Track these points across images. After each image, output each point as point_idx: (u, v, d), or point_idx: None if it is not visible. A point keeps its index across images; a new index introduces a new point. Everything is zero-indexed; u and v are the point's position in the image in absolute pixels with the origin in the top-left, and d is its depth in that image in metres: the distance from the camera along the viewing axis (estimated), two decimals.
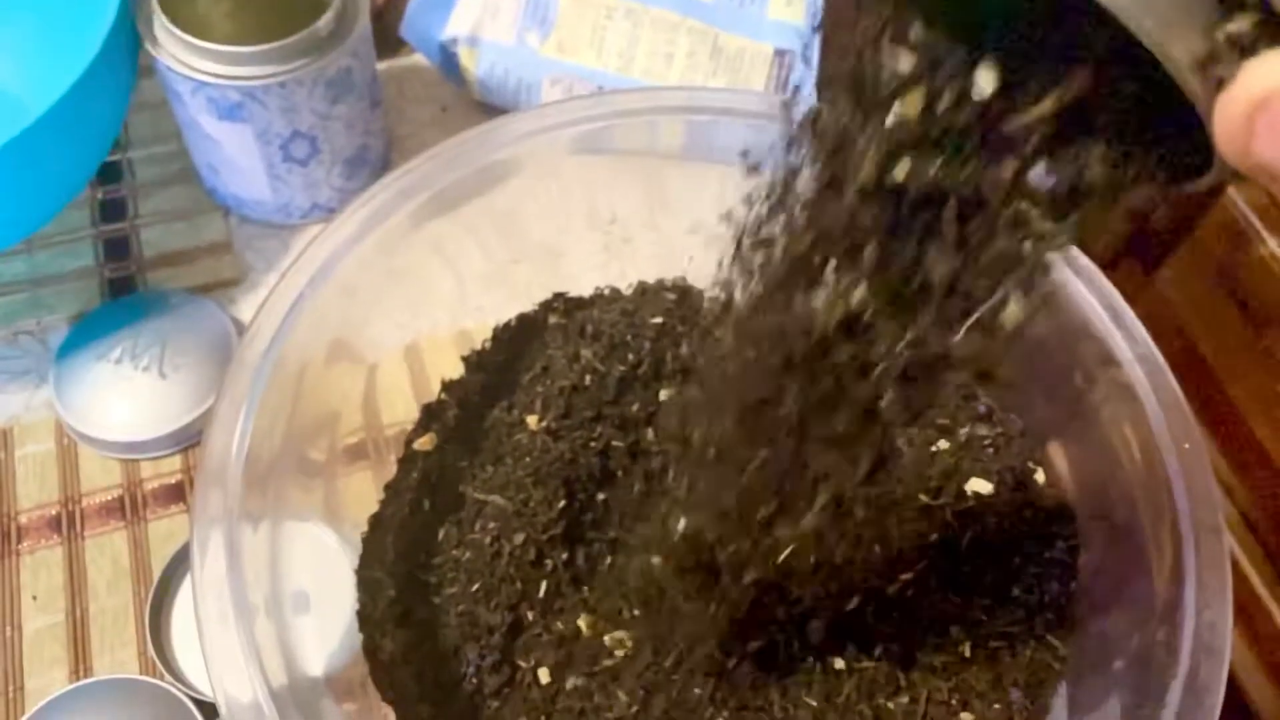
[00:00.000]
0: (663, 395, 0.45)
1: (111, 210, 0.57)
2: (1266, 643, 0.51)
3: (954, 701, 0.37)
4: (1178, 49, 0.16)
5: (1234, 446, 0.55)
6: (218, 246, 0.55)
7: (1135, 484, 0.36)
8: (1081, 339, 0.38)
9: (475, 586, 0.40)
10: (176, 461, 0.49)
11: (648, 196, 0.51)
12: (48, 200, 0.48)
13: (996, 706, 0.37)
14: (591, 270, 0.51)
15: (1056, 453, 0.42)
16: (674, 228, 0.50)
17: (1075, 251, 0.38)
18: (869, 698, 0.38)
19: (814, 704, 0.38)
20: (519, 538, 0.41)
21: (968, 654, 0.38)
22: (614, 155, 0.48)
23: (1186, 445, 0.35)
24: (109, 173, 0.57)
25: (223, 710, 0.32)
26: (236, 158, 0.52)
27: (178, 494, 0.48)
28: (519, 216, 0.47)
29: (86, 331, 0.50)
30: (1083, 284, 0.38)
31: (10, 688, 0.43)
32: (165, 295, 0.52)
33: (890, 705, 0.37)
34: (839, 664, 0.39)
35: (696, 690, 0.38)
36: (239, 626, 0.32)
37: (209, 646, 0.32)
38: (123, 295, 0.53)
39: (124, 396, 0.48)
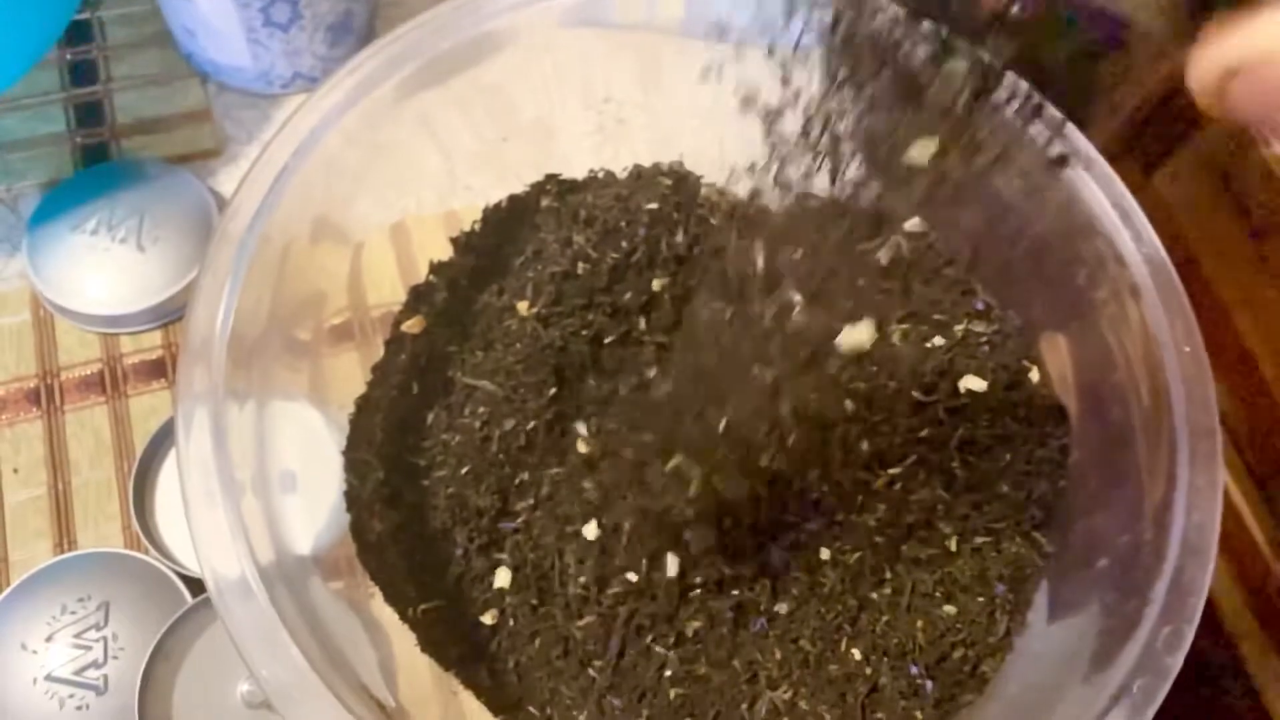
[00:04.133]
0: (655, 285, 0.44)
1: (82, 73, 0.54)
2: (1238, 554, 0.52)
3: (938, 594, 0.38)
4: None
5: (1220, 352, 0.55)
6: (195, 115, 0.53)
7: (1132, 385, 0.36)
8: (1088, 236, 0.37)
9: (465, 470, 0.40)
10: (157, 337, 0.48)
11: (643, 75, 0.49)
12: (12, 59, 0.46)
13: (980, 599, 0.37)
14: (584, 152, 0.49)
15: (1053, 351, 0.41)
16: (670, 109, 0.48)
17: (1088, 147, 0.37)
18: (853, 589, 0.38)
19: (796, 592, 0.38)
20: (509, 423, 0.41)
21: (953, 548, 0.38)
22: (609, 29, 0.45)
23: (1187, 349, 0.34)
24: (78, 32, 0.54)
25: (210, 586, 0.32)
26: (214, 20, 0.50)
27: (159, 370, 0.47)
28: (509, 92, 0.46)
29: (60, 200, 0.48)
30: (1092, 179, 0.37)
31: None
32: (141, 164, 0.50)
33: (874, 596, 0.38)
34: (824, 554, 0.39)
35: (679, 573, 0.38)
36: (225, 504, 0.32)
37: (195, 524, 0.32)
38: (96, 163, 0.51)
39: (101, 269, 0.47)
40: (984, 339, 0.42)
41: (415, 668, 0.39)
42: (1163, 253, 0.36)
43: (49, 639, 0.40)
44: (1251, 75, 0.15)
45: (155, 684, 0.39)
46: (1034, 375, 0.41)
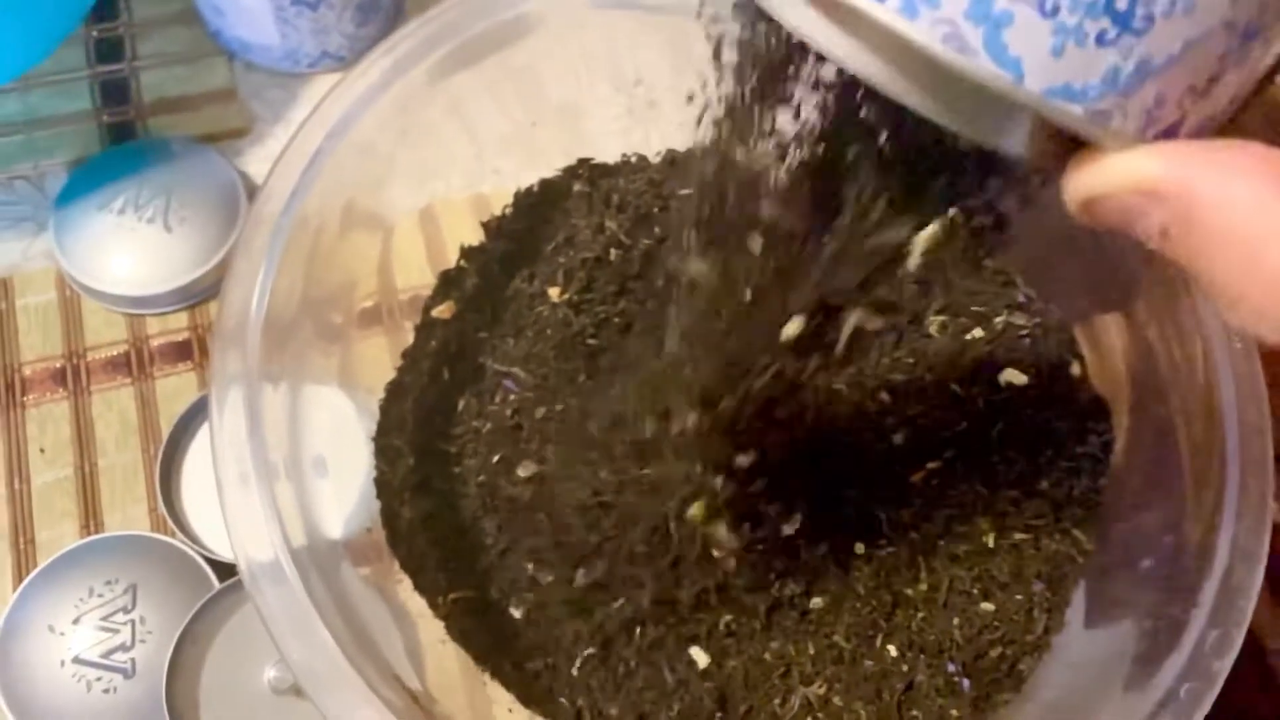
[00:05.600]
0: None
1: (108, 50, 0.53)
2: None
3: (975, 591, 0.37)
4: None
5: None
6: (222, 94, 0.52)
7: (1180, 380, 0.35)
8: None
9: (496, 459, 0.39)
10: (183, 318, 0.47)
11: (675, 58, 0.48)
12: (41, 34, 0.45)
13: (1018, 597, 0.37)
14: (613, 135, 0.49)
15: (1096, 345, 0.41)
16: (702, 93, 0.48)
17: None
18: (888, 584, 0.38)
19: (832, 587, 0.38)
20: (539, 411, 0.40)
21: (991, 544, 0.38)
22: (641, 11, 0.45)
23: (1239, 344, 0.34)
24: (104, 8, 0.54)
25: (243, 570, 0.32)
26: None
27: (185, 351, 0.47)
28: (539, 75, 0.45)
29: (86, 179, 0.48)
30: None
31: (21, 539, 0.43)
32: (168, 143, 0.50)
33: (909, 592, 0.37)
34: (858, 548, 0.38)
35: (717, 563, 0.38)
36: (259, 487, 0.32)
37: (229, 507, 0.32)
38: (123, 142, 0.51)
39: (128, 249, 0.47)
40: (1025, 332, 0.41)
41: (443, 654, 0.38)
42: None
43: (76, 621, 0.40)
44: (1103, 203, 0.19)
45: (182, 668, 0.39)
46: (1075, 369, 0.40)
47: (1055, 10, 0.17)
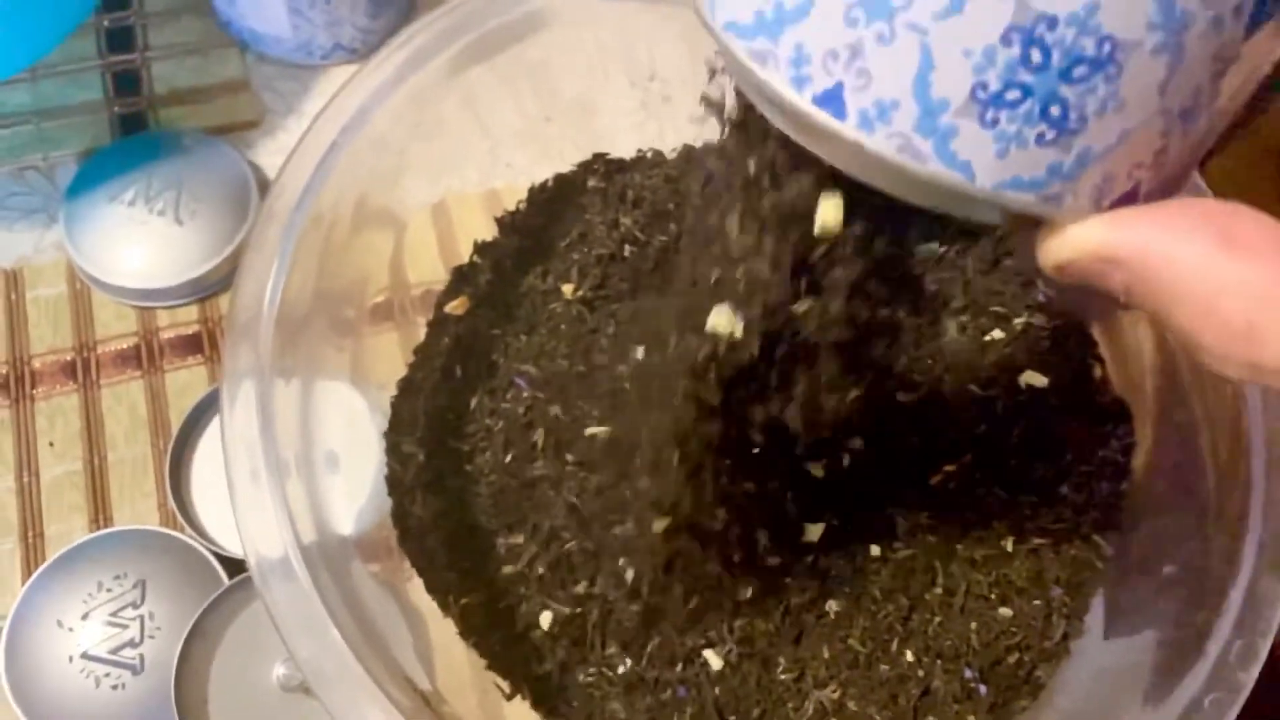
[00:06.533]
0: None
1: (119, 40, 0.53)
2: None
3: (993, 596, 0.37)
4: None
5: None
6: (234, 85, 0.52)
7: (1204, 384, 0.35)
8: None
9: (508, 458, 0.39)
10: (194, 311, 0.47)
11: (691, 52, 0.47)
12: (51, 23, 0.45)
13: (1036, 602, 0.36)
14: (627, 130, 0.48)
15: (1116, 347, 0.40)
16: (717, 87, 0.47)
17: None
18: (905, 588, 0.37)
19: (848, 590, 0.37)
20: (552, 410, 0.40)
21: (1009, 549, 0.37)
22: (656, 4, 0.44)
23: None
24: None
25: (252, 566, 0.31)
26: None
27: (195, 345, 0.46)
28: (554, 69, 0.44)
29: (97, 170, 0.48)
30: None
31: (30, 533, 0.42)
32: (179, 135, 0.49)
33: (926, 596, 0.37)
34: (875, 551, 0.38)
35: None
36: (270, 484, 0.32)
37: (239, 503, 0.31)
38: (134, 133, 0.50)
39: (138, 241, 0.46)
40: (1045, 333, 0.40)
41: (453, 653, 0.38)
42: None
43: (85, 616, 0.40)
44: (1070, 267, 0.20)
45: (191, 665, 0.38)
46: (1096, 372, 0.40)
47: (995, 121, 0.19)
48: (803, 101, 0.20)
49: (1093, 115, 0.19)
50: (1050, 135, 0.19)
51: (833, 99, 0.20)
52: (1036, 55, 0.18)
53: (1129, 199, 0.20)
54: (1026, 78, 0.19)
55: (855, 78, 0.19)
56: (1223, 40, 0.19)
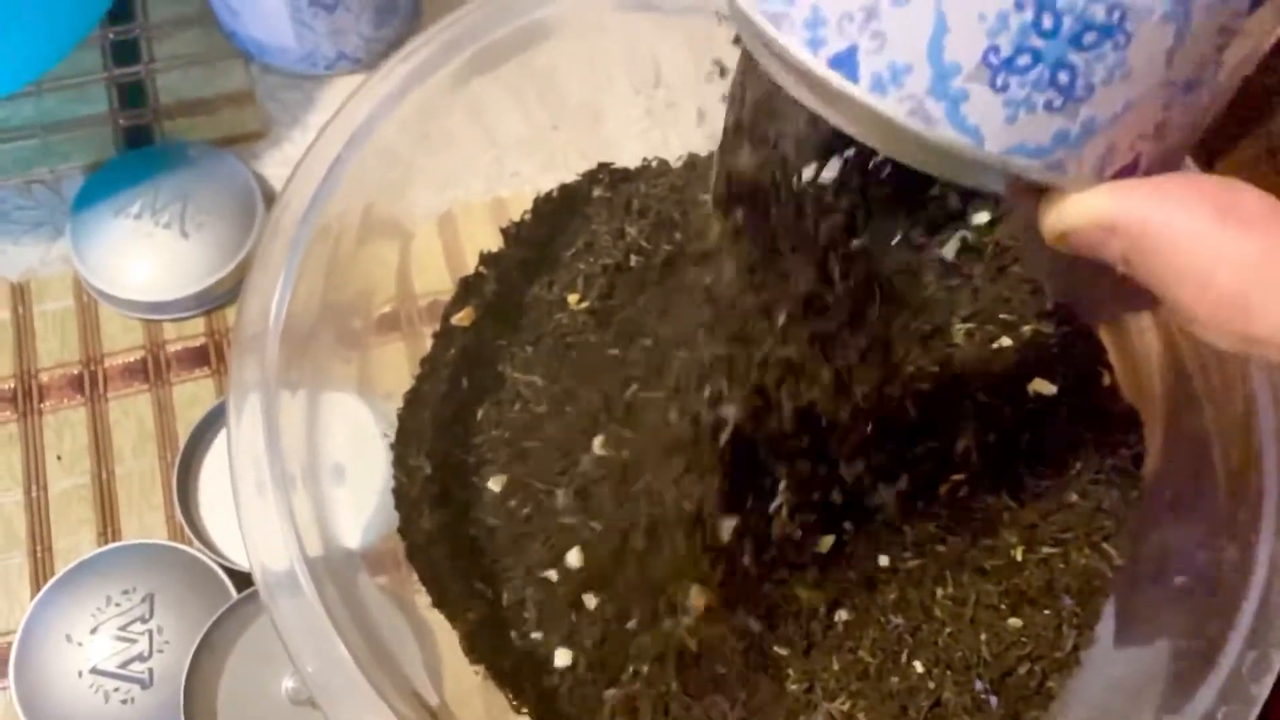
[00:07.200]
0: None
1: (124, 52, 0.53)
2: None
3: (1003, 606, 0.36)
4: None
5: None
6: (239, 96, 0.52)
7: (1215, 392, 0.34)
8: None
9: (514, 470, 0.39)
10: (200, 324, 0.47)
11: (696, 59, 0.47)
12: (56, 37, 0.45)
13: (1046, 612, 0.36)
14: (633, 138, 0.48)
15: (1126, 353, 0.40)
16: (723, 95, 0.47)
17: None
18: (914, 598, 0.37)
19: (855, 601, 0.37)
20: (558, 422, 0.40)
21: (1019, 558, 0.37)
22: (662, 13, 0.44)
23: None
24: (120, 10, 0.54)
25: (258, 580, 0.31)
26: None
27: (202, 358, 0.46)
28: (560, 78, 0.44)
29: (103, 183, 0.48)
30: None
31: (38, 548, 0.42)
32: (184, 147, 0.49)
33: (936, 608, 0.37)
34: (883, 561, 0.38)
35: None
36: (276, 497, 0.32)
37: (245, 516, 0.31)
38: (139, 145, 0.50)
39: (145, 254, 0.46)
40: (1054, 340, 0.40)
41: (462, 667, 0.38)
42: None
43: (94, 631, 0.40)
44: (1072, 236, 0.21)
45: (200, 679, 0.38)
46: (1105, 379, 0.40)
47: (1005, 86, 0.19)
48: (817, 63, 0.20)
49: (1100, 83, 0.19)
50: (1058, 102, 0.19)
51: (846, 61, 0.20)
52: (1048, 20, 0.19)
53: (1130, 170, 0.21)
54: (1038, 43, 0.19)
55: (870, 40, 0.19)
56: (1228, 13, 0.19)
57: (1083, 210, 0.21)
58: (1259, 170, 0.57)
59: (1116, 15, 0.19)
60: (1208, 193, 0.20)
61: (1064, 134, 0.20)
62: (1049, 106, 0.19)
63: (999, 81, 0.19)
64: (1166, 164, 0.21)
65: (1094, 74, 0.19)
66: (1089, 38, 0.19)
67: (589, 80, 0.46)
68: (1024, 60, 0.19)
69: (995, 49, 0.19)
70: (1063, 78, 0.19)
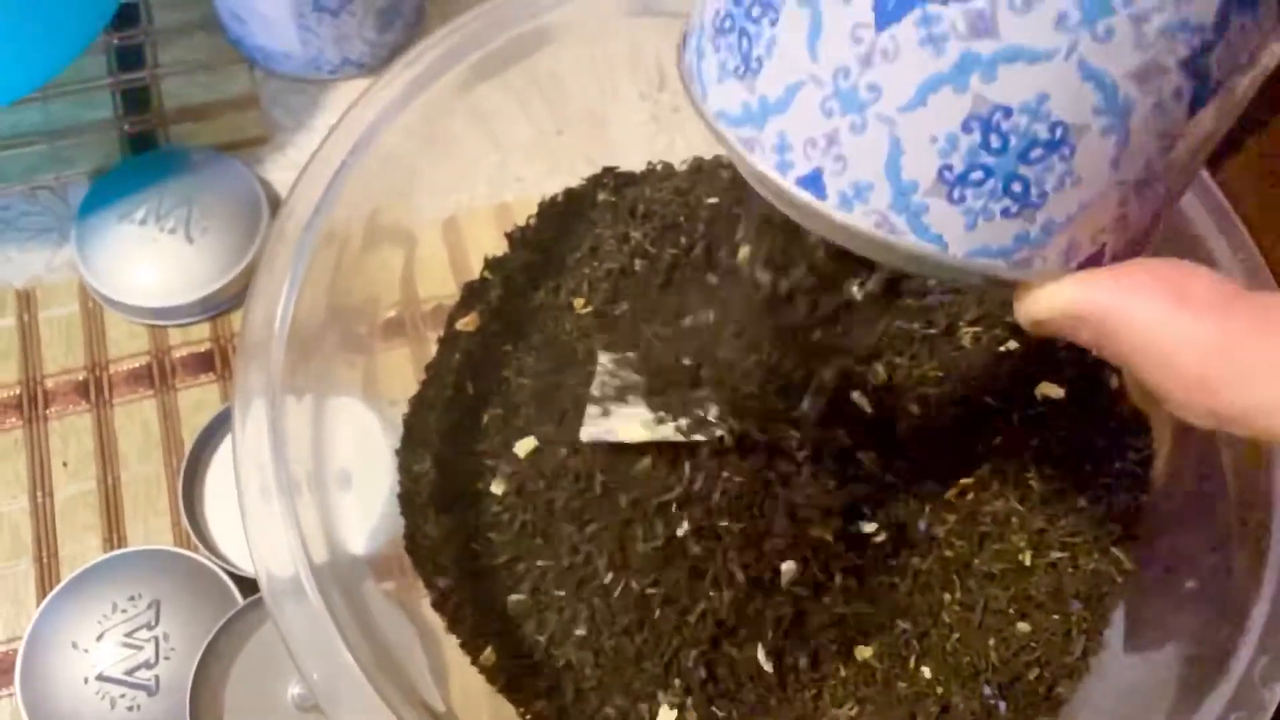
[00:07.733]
0: (715, 282, 0.43)
1: (129, 58, 0.53)
2: None
3: (1011, 610, 0.36)
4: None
5: None
6: (243, 101, 0.52)
7: None
8: (1180, 239, 0.35)
9: (520, 476, 0.38)
10: (205, 330, 0.47)
11: None
12: (62, 43, 0.45)
13: (1055, 617, 0.36)
14: (638, 142, 0.48)
15: None
16: None
17: None
18: (921, 603, 0.37)
19: (865, 604, 0.37)
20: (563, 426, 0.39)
21: (1028, 563, 0.37)
22: (665, 16, 0.44)
23: None
24: (125, 16, 0.54)
25: (263, 586, 0.31)
26: (263, 5, 0.48)
27: (207, 363, 0.46)
28: (563, 82, 0.44)
29: (108, 189, 0.48)
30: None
31: (45, 554, 0.42)
32: (189, 152, 0.49)
33: (944, 614, 0.37)
34: (891, 564, 0.38)
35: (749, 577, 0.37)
36: (281, 503, 0.31)
37: (250, 522, 0.31)
38: (144, 151, 0.50)
39: (150, 260, 0.46)
40: (1061, 343, 0.40)
41: (468, 673, 0.38)
42: (1258, 255, 0.35)
43: (100, 638, 0.40)
44: (1044, 324, 0.22)
45: (206, 685, 0.38)
46: (1113, 382, 0.39)
47: (962, 199, 0.21)
48: (787, 183, 0.22)
49: (1052, 190, 0.20)
50: (1014, 209, 0.21)
51: (814, 181, 0.21)
52: (995, 140, 0.20)
53: (1097, 259, 0.22)
54: (988, 160, 0.20)
55: (833, 163, 0.21)
56: (1166, 121, 0.20)
57: (1049, 302, 0.22)
58: (1264, 173, 0.57)
59: (1059, 132, 0.20)
60: (1165, 278, 0.21)
61: (1024, 235, 0.21)
62: (1006, 213, 0.21)
63: (955, 195, 0.20)
64: (1134, 248, 0.22)
65: (1045, 182, 0.20)
66: (1035, 153, 0.20)
67: (593, 85, 0.46)
68: (977, 175, 0.20)
69: (949, 167, 0.20)
70: (1016, 187, 0.20)
